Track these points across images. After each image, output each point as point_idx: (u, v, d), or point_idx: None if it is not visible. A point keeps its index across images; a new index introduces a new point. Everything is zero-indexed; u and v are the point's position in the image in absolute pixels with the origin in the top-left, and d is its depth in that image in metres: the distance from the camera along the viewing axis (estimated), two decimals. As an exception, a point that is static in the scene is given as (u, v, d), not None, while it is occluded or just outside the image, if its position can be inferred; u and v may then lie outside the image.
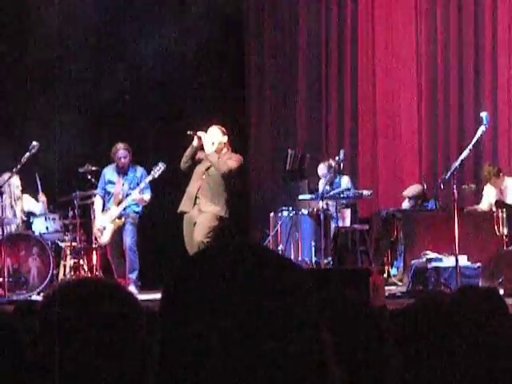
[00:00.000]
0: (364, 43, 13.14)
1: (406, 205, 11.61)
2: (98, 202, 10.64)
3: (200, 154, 9.72)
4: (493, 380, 2.77)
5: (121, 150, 10.45)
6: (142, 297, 8.69)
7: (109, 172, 10.60)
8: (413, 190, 11.65)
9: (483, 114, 9.11)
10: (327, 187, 11.02)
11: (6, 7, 12.24)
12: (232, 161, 9.63)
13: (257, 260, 1.17)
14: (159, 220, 11.73)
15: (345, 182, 11.46)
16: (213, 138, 9.65)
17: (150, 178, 10.32)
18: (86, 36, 12.28)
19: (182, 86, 12.31)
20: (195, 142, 9.66)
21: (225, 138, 9.74)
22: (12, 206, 10.71)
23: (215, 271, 1.15)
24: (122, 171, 10.52)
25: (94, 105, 12.14)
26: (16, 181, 10.60)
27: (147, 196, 10.43)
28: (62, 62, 12.02)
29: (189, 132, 9.69)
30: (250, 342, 1.12)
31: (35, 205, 10.91)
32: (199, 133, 9.64)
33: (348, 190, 11.07)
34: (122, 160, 10.46)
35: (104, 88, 11.82)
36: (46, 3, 11.87)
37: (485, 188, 11.07)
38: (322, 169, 11.48)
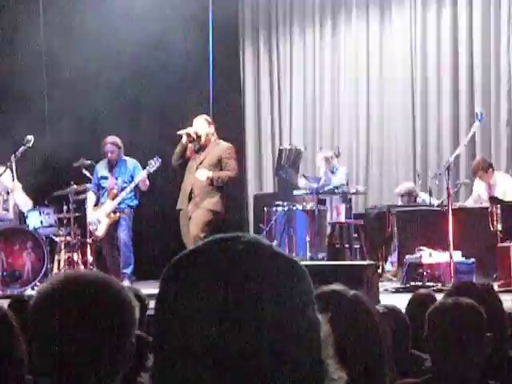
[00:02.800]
0: (358, 43, 13.16)
1: (399, 203, 11.63)
2: (90, 198, 10.62)
3: (190, 151, 9.68)
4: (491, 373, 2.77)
5: (108, 145, 10.40)
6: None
7: (101, 168, 10.57)
8: (404, 187, 11.67)
9: (478, 110, 9.13)
10: (324, 179, 11.06)
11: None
12: (228, 172, 9.55)
13: (253, 255, 1.16)
14: (156, 213, 11.74)
15: (342, 172, 11.43)
16: (199, 130, 9.59)
17: (145, 172, 10.28)
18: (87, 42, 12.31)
19: (181, 84, 12.30)
20: (184, 140, 9.61)
21: (211, 128, 9.68)
22: (4, 201, 10.67)
23: (211, 266, 1.15)
24: (113, 165, 10.48)
25: (91, 102, 12.13)
26: (8, 175, 10.53)
27: (147, 181, 10.40)
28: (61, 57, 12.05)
29: (178, 132, 9.65)
30: (248, 337, 1.12)
31: (23, 199, 10.84)
32: (187, 130, 9.58)
33: (343, 185, 11.07)
34: (110, 155, 10.42)
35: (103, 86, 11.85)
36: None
37: (474, 182, 11.12)
38: (319, 160, 11.50)
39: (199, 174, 9.45)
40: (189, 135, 9.55)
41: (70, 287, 1.84)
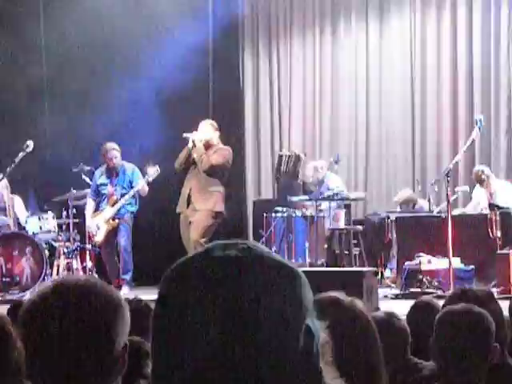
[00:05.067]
0: (357, 50, 13.16)
1: (398, 210, 11.62)
2: (89, 204, 10.61)
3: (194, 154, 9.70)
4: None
5: (110, 151, 10.40)
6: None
7: (99, 175, 10.56)
8: (402, 195, 11.65)
9: (478, 117, 9.11)
10: (318, 188, 11.08)
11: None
12: (215, 155, 9.57)
13: (252, 262, 1.16)
14: (156, 218, 11.72)
15: (333, 180, 11.41)
16: (204, 134, 9.62)
17: (144, 181, 10.27)
18: (90, 49, 12.32)
19: (181, 90, 12.30)
20: (190, 145, 9.64)
21: (216, 134, 9.71)
22: (3, 207, 10.66)
23: (208, 274, 1.14)
24: (113, 171, 10.47)
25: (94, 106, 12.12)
26: (4, 181, 10.53)
27: (146, 187, 10.40)
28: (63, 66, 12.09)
29: (184, 135, 9.68)
30: (246, 345, 1.11)
31: (22, 210, 10.82)
32: (193, 135, 9.62)
33: (342, 191, 11.05)
34: (114, 160, 10.42)
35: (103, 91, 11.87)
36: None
37: (474, 190, 11.11)
38: (309, 170, 11.50)
39: (194, 134, 9.46)
40: (194, 141, 9.57)
41: (59, 293, 1.85)
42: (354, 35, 13.20)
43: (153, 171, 10.24)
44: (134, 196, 10.38)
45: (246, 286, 1.12)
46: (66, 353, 1.80)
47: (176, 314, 1.14)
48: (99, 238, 10.38)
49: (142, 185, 10.26)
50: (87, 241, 10.66)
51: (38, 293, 1.90)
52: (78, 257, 10.71)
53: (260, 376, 1.11)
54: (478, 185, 10.99)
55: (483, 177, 10.87)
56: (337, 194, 10.92)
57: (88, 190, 10.69)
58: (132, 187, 10.35)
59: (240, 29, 13.46)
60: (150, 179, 10.26)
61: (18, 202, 10.83)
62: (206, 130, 9.66)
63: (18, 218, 10.81)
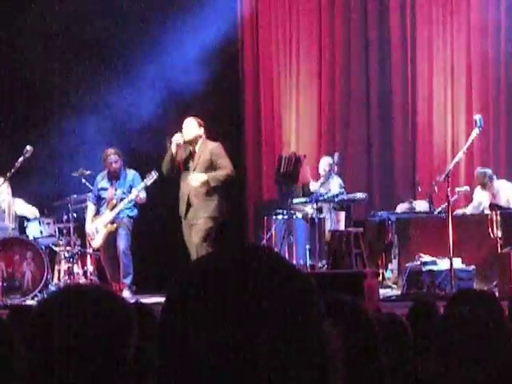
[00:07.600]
0: (356, 50, 13.16)
1: (399, 210, 11.60)
2: (89, 208, 10.62)
3: (180, 156, 9.64)
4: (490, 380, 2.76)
5: (111, 156, 10.44)
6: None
7: (101, 179, 10.58)
8: (402, 208, 11.64)
9: (477, 117, 9.12)
10: (321, 188, 11.06)
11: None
12: (222, 161, 9.54)
13: (266, 269, 1.14)
14: (157, 222, 11.71)
15: (336, 183, 11.41)
16: (189, 132, 9.57)
17: (142, 185, 10.28)
18: (91, 53, 12.31)
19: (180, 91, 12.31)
20: (173, 148, 9.58)
21: (201, 130, 9.64)
22: (4, 211, 10.66)
23: (224, 277, 1.13)
24: (115, 176, 10.49)
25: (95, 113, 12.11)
26: (6, 185, 10.53)
27: (143, 194, 10.40)
28: (62, 70, 12.08)
29: (167, 142, 9.64)
30: (254, 354, 1.10)
31: (28, 209, 10.86)
32: (174, 138, 9.55)
33: (342, 193, 11.04)
34: (114, 165, 10.44)
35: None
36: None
37: (475, 191, 11.10)
38: (323, 164, 11.50)
39: (193, 181, 9.43)
40: (178, 144, 9.54)
41: (71, 298, 1.84)
42: (354, 34, 13.20)
43: (151, 175, 10.25)
44: (133, 200, 10.39)
45: (259, 291, 1.11)
46: (77, 359, 1.79)
47: (186, 316, 1.12)
48: (97, 242, 10.40)
49: (135, 194, 10.26)
50: (88, 245, 10.67)
51: (48, 298, 1.89)
52: (79, 261, 10.71)
53: (270, 382, 1.10)
54: (479, 187, 11.00)
55: (485, 180, 10.89)
56: (337, 196, 10.92)
57: (88, 195, 10.70)
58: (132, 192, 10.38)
59: (240, 28, 13.44)
60: (148, 183, 10.27)
61: (20, 204, 10.82)
62: (191, 128, 9.60)
63: (25, 219, 10.81)
